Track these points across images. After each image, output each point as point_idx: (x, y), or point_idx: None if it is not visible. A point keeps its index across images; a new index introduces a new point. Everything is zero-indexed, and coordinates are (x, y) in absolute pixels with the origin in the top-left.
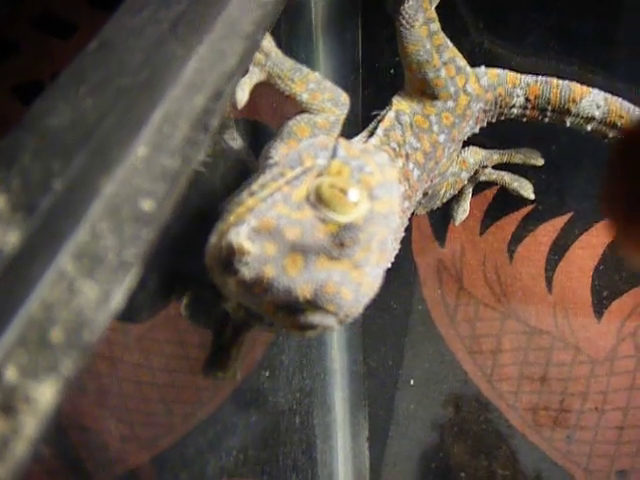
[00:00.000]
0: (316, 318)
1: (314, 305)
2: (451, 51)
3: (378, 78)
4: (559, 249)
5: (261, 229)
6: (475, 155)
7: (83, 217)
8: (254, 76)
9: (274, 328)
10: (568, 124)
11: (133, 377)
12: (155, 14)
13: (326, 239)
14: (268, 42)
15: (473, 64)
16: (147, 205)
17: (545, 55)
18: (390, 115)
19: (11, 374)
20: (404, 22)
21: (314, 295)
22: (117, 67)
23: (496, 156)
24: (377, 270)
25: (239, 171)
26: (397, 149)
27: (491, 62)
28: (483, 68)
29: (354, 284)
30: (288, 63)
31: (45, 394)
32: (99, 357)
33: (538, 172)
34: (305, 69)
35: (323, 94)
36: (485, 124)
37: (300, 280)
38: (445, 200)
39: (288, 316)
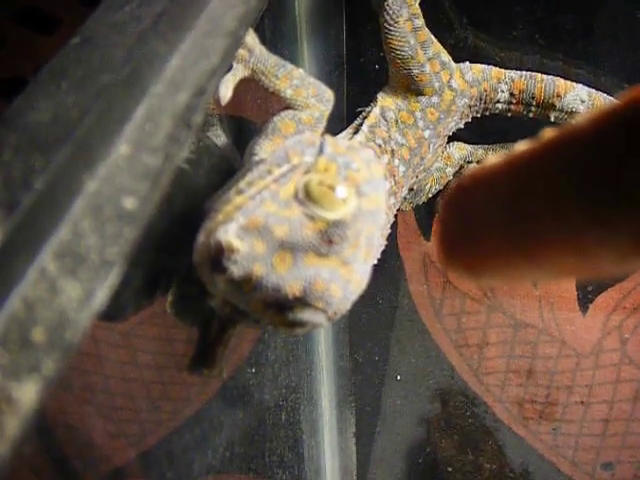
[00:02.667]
0: (305, 315)
1: (303, 302)
2: (435, 46)
3: (362, 73)
4: None
5: (250, 227)
6: (460, 150)
7: (65, 215)
8: (238, 73)
9: (260, 325)
10: (552, 119)
11: (119, 374)
12: (137, 10)
13: (314, 236)
14: (252, 38)
15: (457, 59)
16: (129, 203)
17: (529, 49)
18: (375, 111)
19: None
20: (388, 18)
21: (303, 292)
22: (99, 63)
23: (480, 151)
24: (365, 267)
25: (223, 168)
26: (382, 145)
27: (475, 57)
28: (467, 64)
29: (343, 281)
30: (272, 59)
31: (26, 394)
32: (84, 354)
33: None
34: (289, 65)
35: (307, 90)
36: (470, 119)
37: (289, 277)
38: (430, 195)
39: (277, 314)
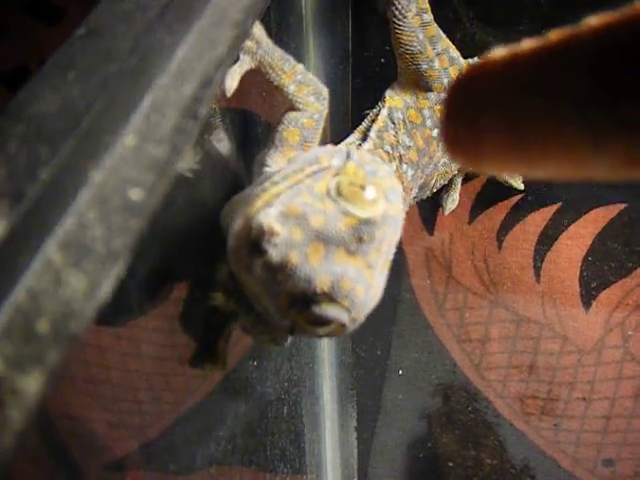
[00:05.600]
0: (330, 312)
1: (329, 298)
2: (444, 42)
3: (368, 67)
4: (548, 239)
5: (289, 214)
6: None
7: (70, 206)
8: (244, 64)
9: (258, 329)
10: None
11: (121, 365)
12: (143, 1)
13: (346, 231)
14: (259, 30)
15: (465, 55)
16: (135, 195)
17: None
18: (383, 114)
19: None
20: (397, 12)
21: (331, 288)
22: (104, 54)
23: None
24: (381, 277)
25: (227, 177)
26: (390, 152)
27: (483, 53)
28: (476, 59)
29: (366, 284)
30: (278, 53)
31: (31, 385)
32: (87, 346)
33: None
34: (292, 60)
35: (308, 87)
36: None
37: (320, 270)
38: (435, 190)
39: (301, 312)
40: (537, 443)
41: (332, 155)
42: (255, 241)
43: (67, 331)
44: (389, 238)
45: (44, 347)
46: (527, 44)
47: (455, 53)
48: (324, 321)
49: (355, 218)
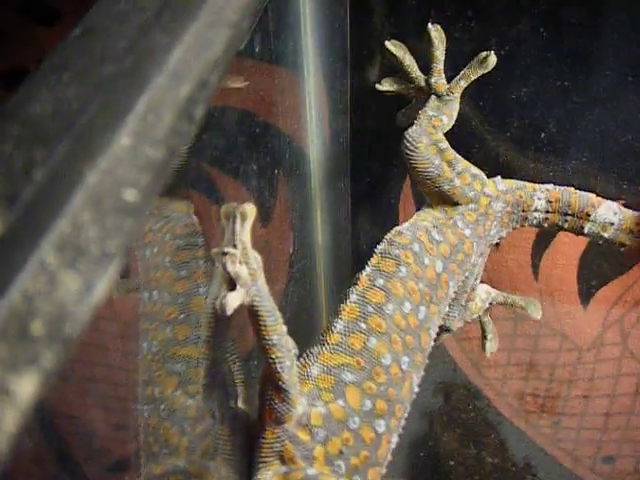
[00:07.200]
0: None
1: None
2: (464, 163)
3: (366, 65)
4: (545, 236)
5: None
6: (486, 292)
7: (65, 207)
8: (239, 297)
9: None
10: (586, 231)
11: (122, 365)
12: (139, 1)
13: None
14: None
15: (489, 174)
16: (130, 195)
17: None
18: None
19: None
20: (408, 145)
21: None
22: (100, 55)
23: (501, 298)
24: None
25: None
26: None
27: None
28: (499, 177)
29: None
30: (271, 304)
31: (25, 387)
32: (87, 345)
33: (527, 161)
34: (279, 316)
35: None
36: (511, 229)
37: None
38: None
39: None
40: (537, 441)
41: None
42: None
43: (62, 333)
44: None
45: (38, 349)
46: None
47: (476, 170)
48: None
49: None
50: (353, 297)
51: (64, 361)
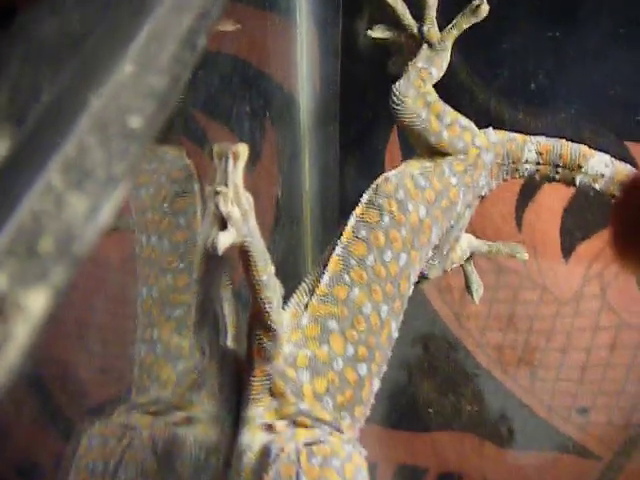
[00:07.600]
0: None
1: None
2: (453, 114)
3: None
4: (530, 189)
5: None
6: (468, 242)
7: (71, 130)
8: (230, 236)
9: None
10: (578, 182)
11: (110, 308)
12: None
13: None
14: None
15: (480, 125)
16: (135, 122)
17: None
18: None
19: (1, 282)
20: (395, 99)
21: None
22: None
23: (485, 247)
24: None
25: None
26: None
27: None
28: (490, 129)
29: None
30: (261, 245)
31: (36, 301)
32: (74, 288)
33: (516, 113)
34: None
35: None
36: (500, 180)
37: None
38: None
39: None
40: (514, 392)
41: None
42: None
43: (70, 251)
44: None
45: (48, 264)
46: None
47: (465, 121)
48: None
49: None
50: (338, 250)
51: (72, 279)
